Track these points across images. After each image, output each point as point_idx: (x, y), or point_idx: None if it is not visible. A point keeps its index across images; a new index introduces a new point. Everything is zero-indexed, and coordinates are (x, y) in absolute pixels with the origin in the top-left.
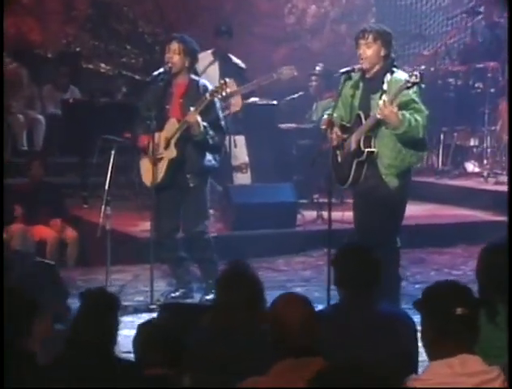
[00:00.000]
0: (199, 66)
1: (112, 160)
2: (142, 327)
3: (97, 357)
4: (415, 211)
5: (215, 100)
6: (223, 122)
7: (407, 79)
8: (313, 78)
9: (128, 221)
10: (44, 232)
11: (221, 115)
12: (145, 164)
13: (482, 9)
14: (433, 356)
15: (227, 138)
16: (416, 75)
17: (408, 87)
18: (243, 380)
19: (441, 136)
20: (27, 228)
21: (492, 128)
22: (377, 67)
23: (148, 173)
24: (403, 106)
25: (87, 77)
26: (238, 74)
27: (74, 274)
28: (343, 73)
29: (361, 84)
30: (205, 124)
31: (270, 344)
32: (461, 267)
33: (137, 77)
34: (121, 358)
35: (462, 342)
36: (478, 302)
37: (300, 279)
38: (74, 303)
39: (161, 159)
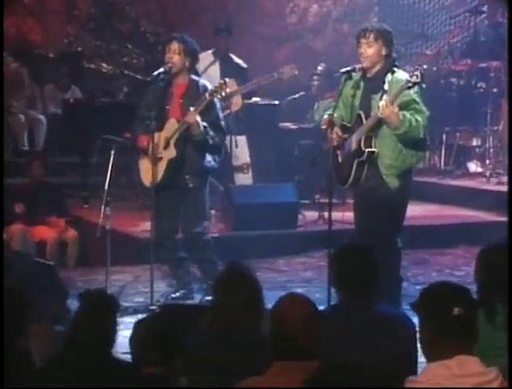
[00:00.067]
0: (200, 67)
1: (111, 160)
2: (137, 325)
3: (96, 358)
4: (417, 211)
5: (215, 100)
6: (223, 122)
7: (408, 78)
8: (315, 77)
9: (129, 221)
10: (45, 232)
11: (221, 115)
12: (144, 165)
13: (485, 8)
14: (430, 357)
15: (228, 138)
16: (416, 75)
17: (409, 87)
18: (242, 380)
19: (444, 136)
20: (27, 228)
21: (495, 128)
22: (378, 66)
23: (147, 173)
24: (403, 106)
25: (89, 77)
26: (240, 74)
27: (74, 274)
28: (344, 73)
29: (362, 84)
30: (205, 124)
31: (271, 343)
32: (463, 267)
33: (138, 77)
34: (119, 359)
35: (460, 343)
36: (476, 303)
37: (301, 279)
38: (74, 304)
39: (160, 159)
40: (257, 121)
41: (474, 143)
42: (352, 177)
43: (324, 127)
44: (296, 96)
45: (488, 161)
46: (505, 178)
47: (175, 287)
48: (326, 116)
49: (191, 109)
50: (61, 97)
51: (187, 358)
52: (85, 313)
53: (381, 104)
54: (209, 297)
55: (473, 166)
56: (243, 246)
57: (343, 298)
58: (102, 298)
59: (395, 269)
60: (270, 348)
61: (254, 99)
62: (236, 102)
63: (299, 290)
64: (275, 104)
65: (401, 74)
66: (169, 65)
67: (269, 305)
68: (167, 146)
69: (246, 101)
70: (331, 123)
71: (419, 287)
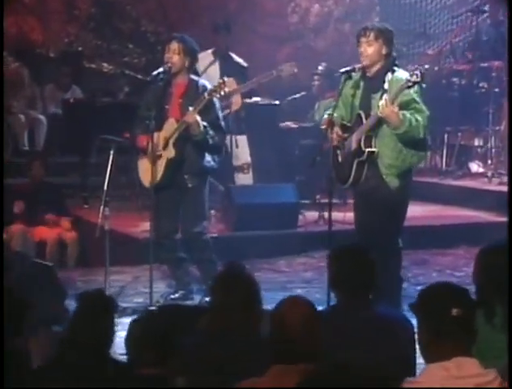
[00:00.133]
0: (200, 66)
1: (111, 160)
2: (132, 324)
3: (94, 358)
4: (418, 211)
5: (215, 99)
6: (222, 122)
7: (408, 78)
8: (316, 77)
9: (128, 222)
10: (44, 232)
11: (221, 115)
12: (143, 164)
13: (487, 7)
14: (429, 358)
15: (228, 138)
16: (416, 74)
17: (409, 87)
18: (239, 381)
19: (445, 136)
20: (27, 228)
21: (497, 128)
22: (378, 66)
23: (147, 173)
24: (403, 106)
25: (89, 76)
26: (240, 73)
27: (73, 275)
28: (344, 72)
29: (362, 83)
30: (204, 124)
31: (271, 346)
32: (463, 268)
33: (139, 76)
34: (117, 359)
35: (459, 344)
36: (474, 304)
37: (302, 280)
38: (73, 305)
39: (160, 159)
40: (257, 121)
41: (476, 143)
42: (352, 176)
43: (324, 127)
44: (297, 95)
45: (489, 161)
46: (506, 178)
47: (174, 287)
48: (325, 116)
49: (190, 108)
50: (62, 97)
51: (185, 359)
52: (83, 313)
53: (381, 104)
54: (208, 298)
55: (475, 166)
56: (243, 246)
57: (341, 299)
58: (100, 299)
59: (396, 269)
60: (268, 349)
61: (255, 99)
62: (236, 101)
63: (299, 291)
64: (276, 104)
65: (401, 74)
66: (169, 65)
67: (269, 306)
68: (166, 146)
69: (246, 101)
70: (331, 123)
71: (419, 287)
